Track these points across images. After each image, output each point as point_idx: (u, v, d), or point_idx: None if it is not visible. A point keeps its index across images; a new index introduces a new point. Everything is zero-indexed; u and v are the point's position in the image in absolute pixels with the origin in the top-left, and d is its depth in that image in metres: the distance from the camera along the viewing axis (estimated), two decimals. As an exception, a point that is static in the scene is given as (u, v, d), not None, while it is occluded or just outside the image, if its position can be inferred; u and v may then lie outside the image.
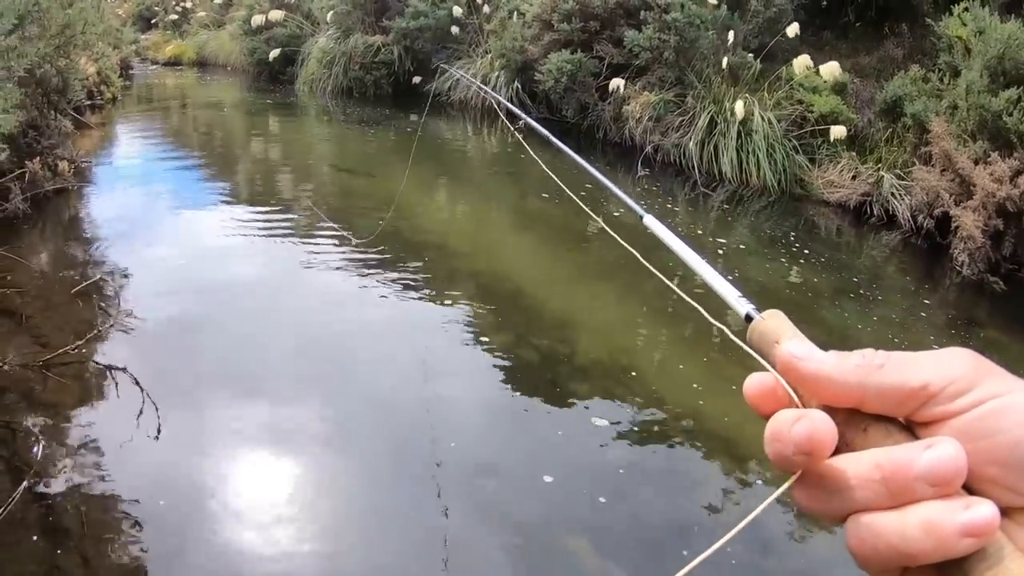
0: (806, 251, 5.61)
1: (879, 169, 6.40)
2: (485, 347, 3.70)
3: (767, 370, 0.46)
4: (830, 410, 0.42)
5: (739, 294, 0.57)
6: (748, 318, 0.52)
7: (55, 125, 5.89)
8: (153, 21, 19.86)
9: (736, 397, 3.48)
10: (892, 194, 6.17)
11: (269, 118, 9.72)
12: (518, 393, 3.27)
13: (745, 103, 6.81)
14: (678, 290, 0.82)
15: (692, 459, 2.96)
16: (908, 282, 5.40)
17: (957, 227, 5.36)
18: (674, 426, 3.11)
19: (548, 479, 2.68)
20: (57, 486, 2.42)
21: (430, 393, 3.22)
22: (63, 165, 5.32)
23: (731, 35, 7.23)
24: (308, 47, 12.00)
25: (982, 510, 0.36)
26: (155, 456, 2.63)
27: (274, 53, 11.91)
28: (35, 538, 2.20)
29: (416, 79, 10.81)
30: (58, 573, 2.10)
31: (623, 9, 8.13)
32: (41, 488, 2.38)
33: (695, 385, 3.42)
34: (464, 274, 4.66)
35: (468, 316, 4.02)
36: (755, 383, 0.45)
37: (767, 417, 0.43)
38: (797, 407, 0.43)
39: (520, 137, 2.09)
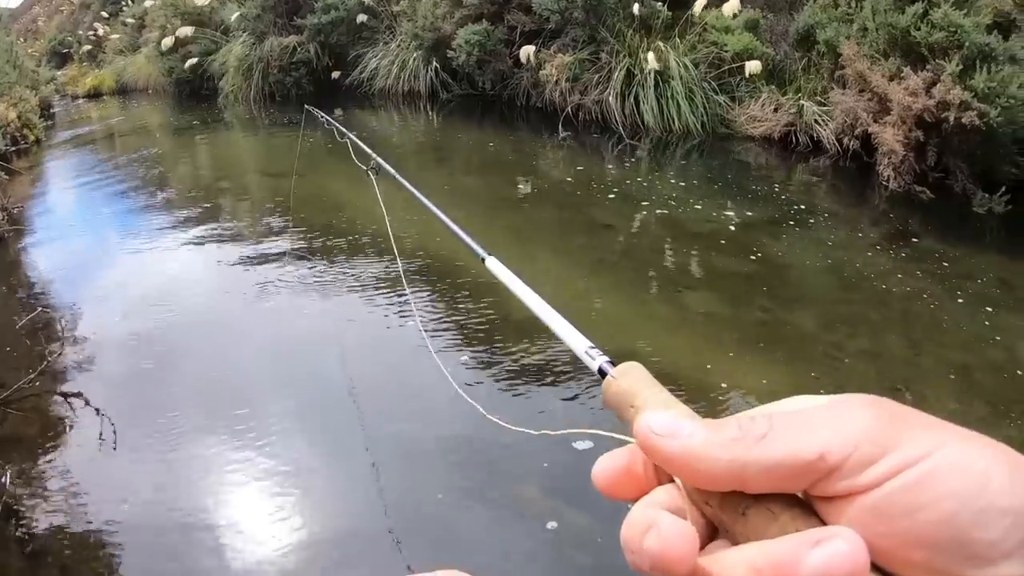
0: (738, 187, 5.60)
1: (799, 99, 6.40)
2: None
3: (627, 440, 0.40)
4: (702, 492, 0.36)
5: (589, 344, 0.50)
6: (601, 373, 0.45)
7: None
8: (67, 52, 19.40)
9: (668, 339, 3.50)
10: (815, 121, 6.18)
11: (196, 135, 9.53)
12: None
13: (657, 53, 6.78)
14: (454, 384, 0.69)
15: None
16: (841, 203, 5.41)
17: (879, 144, 5.38)
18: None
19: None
20: (33, 513, 2.42)
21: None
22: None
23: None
24: (224, 57, 11.76)
25: None
26: (120, 473, 2.63)
27: (190, 62, 11.67)
28: (16, 564, 2.21)
29: (335, 74, 10.65)
30: None
31: (529, -25, 8.08)
32: (17, 517, 2.40)
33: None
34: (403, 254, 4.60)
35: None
36: (607, 467, 0.39)
37: (632, 501, 0.38)
38: (669, 482, 0.38)
39: (373, 179, 2.07)
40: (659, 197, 5.55)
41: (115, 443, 2.76)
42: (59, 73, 17.71)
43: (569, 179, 6.19)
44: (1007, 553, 0.29)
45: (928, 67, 5.22)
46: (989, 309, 3.61)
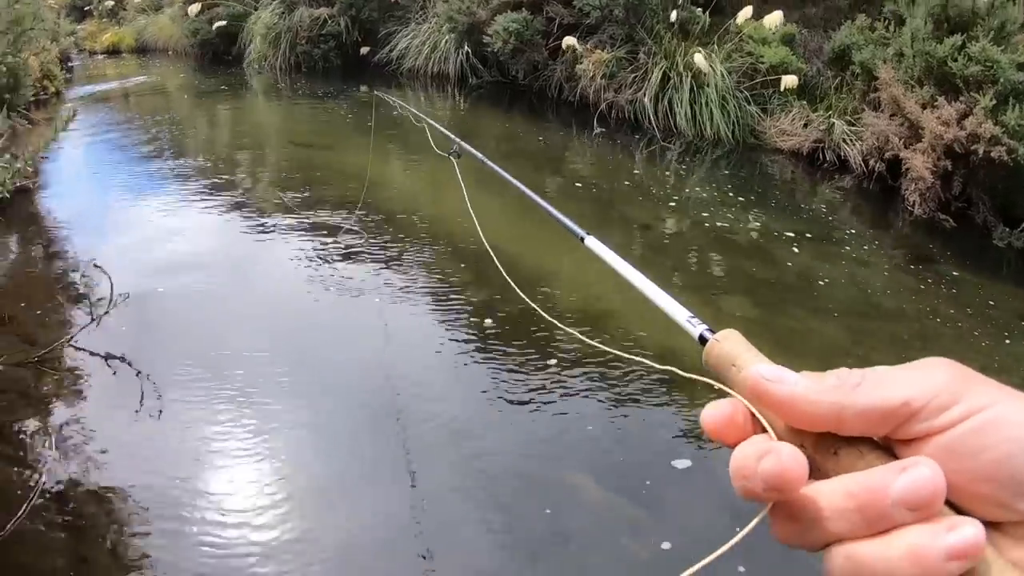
0: (763, 198, 5.70)
1: (830, 116, 6.50)
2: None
3: (728, 395, 0.44)
4: (797, 433, 0.41)
5: (690, 314, 0.55)
6: (702, 340, 0.50)
7: (10, 124, 5.74)
8: (87, 9, 19.24)
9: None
10: (843, 140, 6.28)
11: (220, 100, 9.48)
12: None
13: (706, 55, 6.86)
14: (601, 346, 0.74)
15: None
16: (864, 223, 5.52)
17: (907, 169, 5.49)
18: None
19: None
20: (73, 479, 2.39)
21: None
22: (21, 164, 5.20)
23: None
24: (252, 23, 11.72)
25: (966, 531, 0.34)
26: (161, 439, 2.62)
27: (217, 24, 11.61)
28: (58, 533, 2.18)
29: (364, 50, 10.66)
30: (85, 566, 2.08)
31: (571, -31, 8.12)
32: (57, 483, 2.36)
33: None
34: (438, 236, 4.65)
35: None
36: (714, 413, 0.43)
37: (731, 447, 0.41)
38: (762, 431, 0.42)
39: (455, 162, 2.04)
40: (691, 201, 5.65)
41: (160, 410, 2.75)
42: (78, 27, 17.53)
43: (601, 175, 6.28)
44: None
45: (961, 99, 5.34)
46: (1006, 338, 3.74)
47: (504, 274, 1.45)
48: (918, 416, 0.37)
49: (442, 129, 2.23)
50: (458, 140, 1.97)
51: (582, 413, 2.85)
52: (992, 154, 4.96)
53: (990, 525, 0.35)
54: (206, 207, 5.04)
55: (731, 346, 0.46)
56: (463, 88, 9.20)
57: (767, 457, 0.38)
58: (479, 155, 1.71)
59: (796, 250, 4.70)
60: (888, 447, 0.39)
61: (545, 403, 2.89)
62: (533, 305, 1.20)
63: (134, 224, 4.79)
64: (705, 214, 5.32)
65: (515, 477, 2.53)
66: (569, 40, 7.62)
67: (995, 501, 0.35)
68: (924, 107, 5.52)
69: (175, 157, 6.41)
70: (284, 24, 10.97)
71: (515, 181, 1.33)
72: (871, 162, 5.97)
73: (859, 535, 0.36)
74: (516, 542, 2.24)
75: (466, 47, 9.18)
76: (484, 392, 2.97)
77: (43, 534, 2.16)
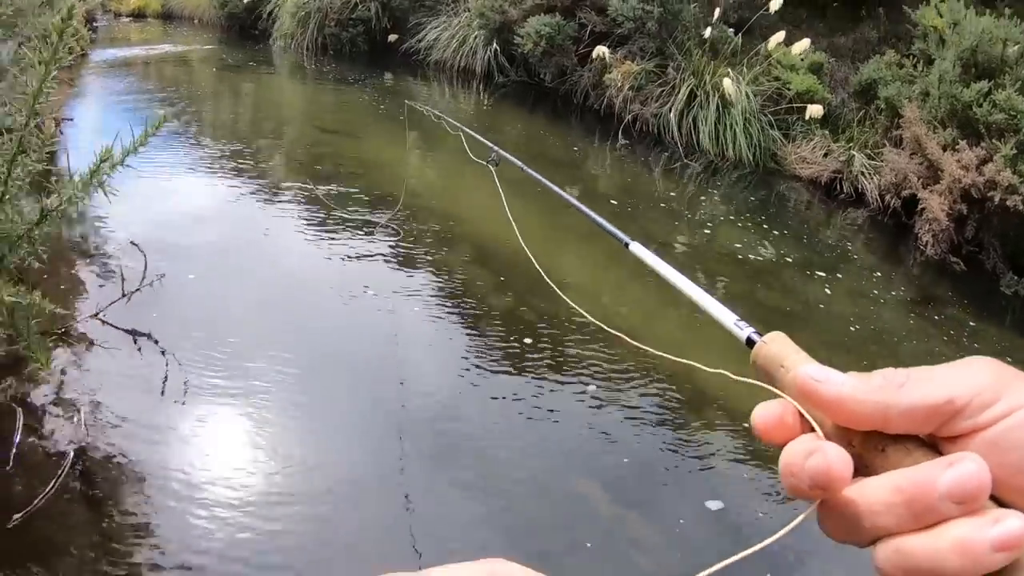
0: (777, 223, 5.77)
1: (850, 148, 6.57)
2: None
3: (777, 396, 0.45)
4: (845, 431, 0.42)
5: (737, 318, 0.55)
6: (750, 342, 0.51)
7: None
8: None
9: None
10: (862, 173, 6.35)
11: (246, 77, 9.51)
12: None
13: (733, 81, 6.93)
14: (656, 351, 0.75)
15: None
16: (874, 257, 5.59)
17: (923, 209, 5.56)
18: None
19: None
20: (98, 457, 2.42)
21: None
22: (49, 123, 5.20)
23: (717, 11, 7.31)
24: (282, 0, 11.77)
25: (1012, 523, 0.35)
26: (184, 421, 2.67)
27: (247, -1, 11.69)
28: (82, 510, 2.21)
29: (392, 37, 10.71)
30: (109, 543, 2.11)
31: (608, -24, 8.17)
32: (83, 460, 2.39)
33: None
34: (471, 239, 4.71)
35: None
36: (764, 414, 0.44)
37: (780, 447, 0.43)
38: (810, 431, 0.43)
39: (493, 171, 2.01)
40: (707, 220, 5.73)
41: (184, 389, 2.79)
42: (104, -13, 17.49)
43: (621, 187, 6.35)
44: None
45: (983, 144, 5.41)
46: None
47: (553, 286, 1.49)
48: (962, 413, 0.38)
49: (479, 137, 2.24)
50: (496, 148, 1.98)
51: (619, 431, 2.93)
52: (1008, 202, 5.03)
53: None
54: (234, 190, 5.05)
55: (779, 348, 0.47)
56: (488, 85, 9.26)
57: (814, 455, 0.39)
58: (518, 163, 1.73)
59: (806, 279, 4.77)
60: (934, 444, 0.40)
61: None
62: (586, 315, 1.24)
63: (162, 201, 4.76)
64: (720, 235, 5.39)
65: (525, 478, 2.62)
66: (601, 49, 7.68)
67: None
68: (945, 149, 5.59)
69: (201, 135, 6.42)
70: (314, 4, 11.01)
71: (557, 188, 1.36)
72: (887, 198, 6.04)
73: (907, 529, 0.37)
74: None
75: (495, 45, 9.23)
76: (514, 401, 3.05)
77: (70, 510, 2.20)
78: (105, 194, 1.93)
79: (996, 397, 0.37)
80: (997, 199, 5.09)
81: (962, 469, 0.36)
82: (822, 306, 4.42)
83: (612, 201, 5.82)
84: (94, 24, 12.63)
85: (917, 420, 0.39)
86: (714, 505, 2.58)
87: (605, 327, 1.05)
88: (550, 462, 2.73)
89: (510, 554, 0.34)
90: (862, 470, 0.40)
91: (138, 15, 15.28)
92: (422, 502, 2.42)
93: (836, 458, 0.38)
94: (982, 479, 0.35)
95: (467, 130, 2.43)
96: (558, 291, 1.42)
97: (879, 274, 5.19)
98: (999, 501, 0.37)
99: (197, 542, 2.15)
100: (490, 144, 2.06)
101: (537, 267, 1.73)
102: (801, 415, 0.43)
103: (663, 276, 0.73)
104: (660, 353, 0.74)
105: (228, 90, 8.80)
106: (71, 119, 6.23)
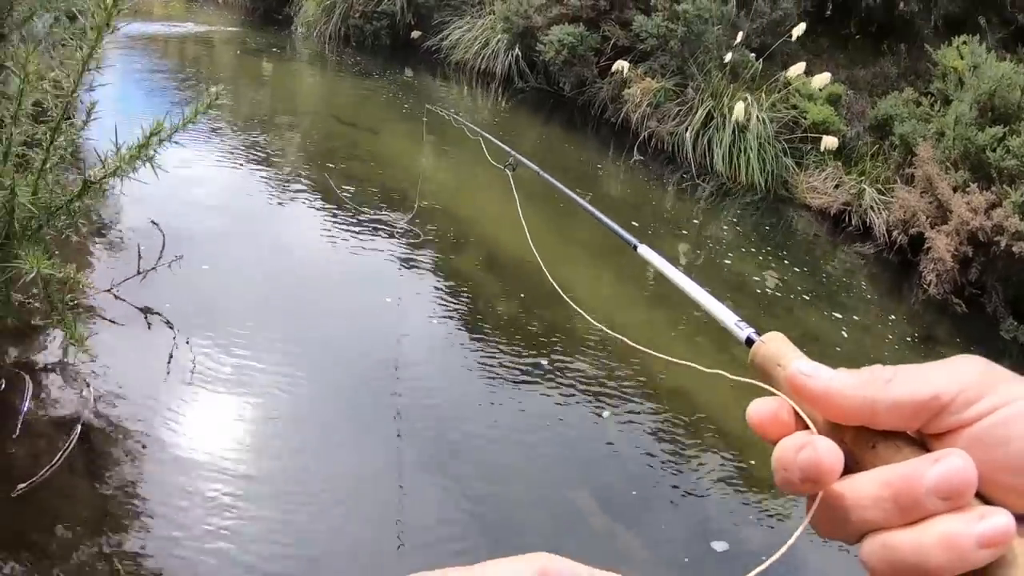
0: (783, 251, 5.82)
1: (862, 182, 6.61)
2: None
3: (772, 394, 0.46)
4: (837, 428, 0.42)
5: (737, 319, 0.57)
6: (749, 342, 0.52)
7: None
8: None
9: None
10: (871, 207, 6.39)
11: (269, 61, 9.55)
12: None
13: (746, 106, 6.96)
14: (662, 355, 0.75)
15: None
16: (876, 292, 5.63)
17: (929, 248, 5.60)
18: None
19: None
20: (104, 432, 2.46)
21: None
22: (68, 85, 5.21)
23: (740, 34, 7.35)
24: (307, -14, 11.80)
25: (997, 520, 0.35)
26: (189, 399, 2.71)
27: (277, -17, 11.71)
28: (85, 483, 2.25)
29: (415, 34, 10.75)
30: (110, 519, 2.15)
31: (634, -8, 8.22)
32: (89, 434, 2.42)
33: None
34: (467, 236, 4.76)
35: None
36: (759, 409, 0.45)
37: (774, 443, 0.43)
38: (805, 428, 0.43)
39: (510, 174, 2.04)
40: (715, 242, 5.78)
41: (193, 367, 2.85)
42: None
43: (632, 202, 6.41)
44: None
45: (993, 189, 5.46)
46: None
47: (557, 287, 1.53)
48: (948, 409, 0.38)
49: (498, 142, 2.24)
50: (514, 153, 2.00)
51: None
52: (1013, 248, 5.07)
53: (1018, 516, 0.36)
54: (252, 178, 5.09)
55: (776, 347, 0.48)
56: (507, 89, 9.29)
57: (804, 449, 0.39)
58: (535, 167, 1.76)
59: (807, 309, 4.82)
60: (923, 442, 0.40)
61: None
62: (588, 317, 1.26)
63: (181, 185, 4.70)
64: (726, 258, 5.43)
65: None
66: (621, 63, 7.72)
67: (1022, 491, 0.37)
68: (956, 190, 5.64)
69: (221, 120, 6.44)
70: (341, -6, 11.06)
71: (571, 193, 1.40)
72: (895, 234, 6.07)
73: (894, 524, 0.38)
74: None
75: (517, 50, 9.27)
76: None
77: (73, 482, 2.24)
78: (154, 170, 1.95)
79: (981, 394, 0.38)
80: (1003, 244, 5.13)
81: (948, 465, 0.36)
82: (820, 337, 4.46)
83: (622, 215, 5.86)
84: (117, -3, 12.57)
85: (904, 416, 0.39)
86: (711, 527, 2.63)
87: (607, 330, 1.09)
88: (547, 470, 2.77)
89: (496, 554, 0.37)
90: (854, 467, 0.41)
91: (162, -13, 15.30)
92: (414, 500, 2.46)
93: (826, 451, 0.39)
94: (968, 475, 0.36)
95: (486, 135, 2.44)
96: (563, 294, 1.46)
97: (880, 309, 5.24)
98: (985, 499, 0.37)
99: (195, 522, 2.19)
100: (508, 149, 2.07)
101: (544, 269, 1.77)
102: (796, 412, 0.44)
103: (669, 278, 0.73)
104: (660, 355, 0.76)
105: (250, 75, 8.82)
106: (92, 89, 6.24)
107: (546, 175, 1.61)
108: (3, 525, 2.05)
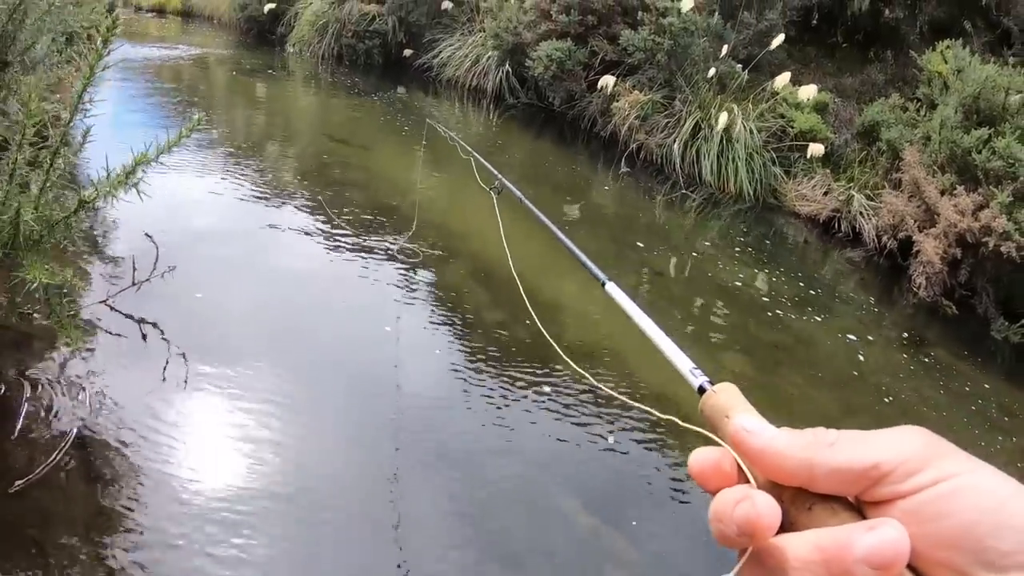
0: (774, 259, 5.85)
1: (850, 188, 6.66)
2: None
3: (717, 444, 0.46)
4: (776, 486, 0.42)
5: (693, 366, 0.57)
6: (701, 390, 0.52)
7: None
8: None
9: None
10: (860, 213, 6.43)
11: (261, 80, 9.59)
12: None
13: (730, 114, 7.02)
14: (610, 390, 0.75)
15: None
16: (868, 297, 5.66)
17: (918, 251, 5.64)
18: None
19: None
20: (98, 435, 2.50)
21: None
22: (65, 115, 5.28)
23: (725, 47, 7.42)
24: (300, 7, 11.91)
25: None
26: (182, 407, 2.74)
27: (268, 6, 11.79)
28: (80, 483, 2.30)
29: (407, 52, 10.85)
30: (102, 517, 2.20)
31: (621, 7, 8.28)
32: (84, 436, 2.47)
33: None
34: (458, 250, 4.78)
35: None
36: (701, 458, 0.45)
37: (713, 493, 0.43)
38: (745, 482, 0.43)
39: (495, 197, 2.05)
40: (704, 253, 5.81)
41: (186, 377, 2.88)
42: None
43: (621, 214, 6.44)
44: (1017, 564, 0.35)
45: (980, 190, 5.50)
46: (988, 430, 3.89)
47: (537, 321, 1.56)
48: (887, 479, 0.38)
49: (487, 164, 2.28)
50: (500, 177, 2.01)
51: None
52: (1002, 248, 5.11)
53: None
54: (246, 194, 5.09)
55: (726, 398, 0.48)
56: (498, 105, 9.37)
57: (742, 503, 0.39)
58: (518, 193, 1.76)
59: (798, 315, 4.84)
60: (860, 507, 0.40)
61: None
62: (559, 350, 1.30)
63: (176, 200, 4.78)
64: (716, 267, 5.47)
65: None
66: (606, 79, 7.78)
67: (955, 568, 0.36)
68: (943, 193, 5.68)
69: (216, 138, 6.49)
70: (333, 14, 11.17)
71: (548, 221, 1.39)
72: (884, 239, 6.12)
73: None
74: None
75: (507, 66, 9.36)
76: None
77: (68, 481, 2.29)
78: (139, 194, 2.07)
79: (922, 466, 0.38)
80: (991, 245, 5.16)
81: (881, 535, 0.36)
82: (812, 343, 4.48)
83: (611, 228, 5.91)
84: (115, 13, 12.64)
85: (842, 481, 0.39)
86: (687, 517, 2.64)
87: (573, 365, 1.10)
88: (535, 477, 2.78)
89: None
90: (788, 526, 0.41)
91: (159, 11, 15.40)
92: (410, 508, 2.47)
93: (764, 507, 0.39)
94: (900, 547, 0.36)
95: (477, 156, 2.47)
96: (539, 323, 1.48)
97: (871, 314, 5.26)
98: (916, 572, 0.37)
99: (186, 526, 2.22)
100: (496, 172, 2.10)
101: (523, 297, 1.79)
102: (738, 465, 0.44)
103: (631, 317, 0.75)
104: (619, 396, 0.77)
105: (244, 95, 8.90)
106: (89, 108, 6.29)
107: (528, 203, 1.61)
108: (1, 519, 2.11)
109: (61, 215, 2.14)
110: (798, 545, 0.39)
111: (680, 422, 0.55)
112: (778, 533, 0.39)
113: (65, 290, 2.37)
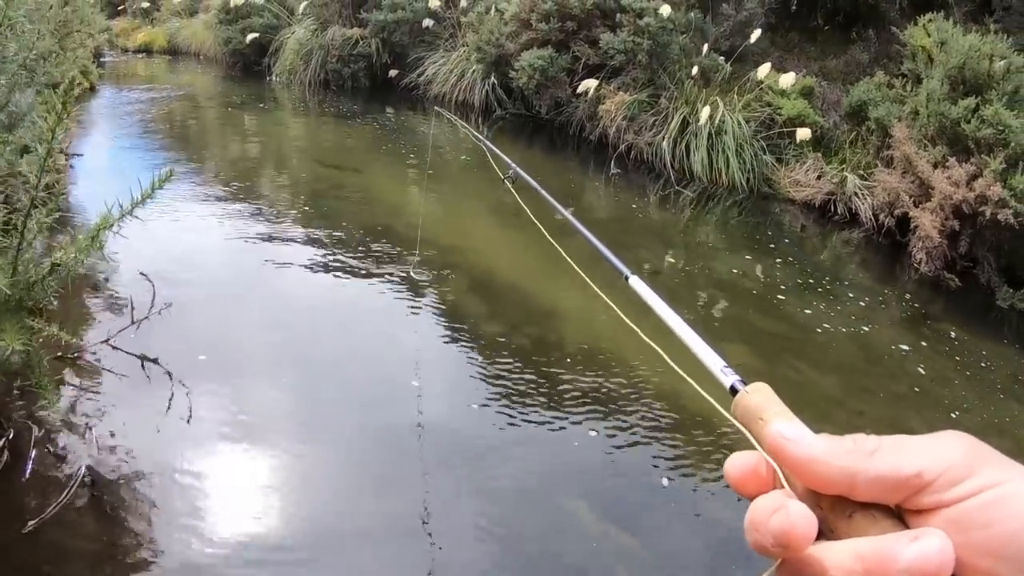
0: (772, 247, 5.83)
1: (843, 170, 6.65)
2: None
3: (753, 447, 0.45)
4: (815, 493, 0.41)
5: (724, 364, 0.55)
6: (733, 391, 0.50)
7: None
8: (120, 8, 19.58)
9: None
10: (855, 194, 6.41)
11: (249, 112, 9.62)
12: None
13: (711, 108, 7.02)
14: (668, 359, 0.74)
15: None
16: (869, 277, 5.64)
17: (916, 227, 5.62)
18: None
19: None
20: (107, 472, 2.55)
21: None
22: (59, 158, 5.34)
23: (706, 45, 7.44)
24: (284, 37, 11.95)
25: None
26: (188, 441, 2.77)
27: (251, 37, 11.80)
28: (92, 519, 2.35)
29: (392, 72, 10.88)
30: (115, 550, 2.24)
31: (599, 11, 8.29)
32: (94, 474, 2.52)
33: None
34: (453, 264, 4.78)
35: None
36: (738, 463, 0.44)
37: (750, 498, 0.42)
38: (781, 487, 0.42)
39: (510, 186, 2.07)
40: (701, 246, 5.81)
41: (189, 412, 2.90)
42: (111, 24, 17.79)
43: (615, 215, 6.44)
44: None
45: (972, 160, 5.48)
46: (1001, 399, 3.86)
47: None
48: (930, 488, 0.37)
49: (500, 153, 2.25)
50: (514, 166, 2.02)
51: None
52: (999, 216, 5.08)
53: None
54: (240, 224, 5.11)
55: (760, 399, 0.47)
56: (487, 118, 9.39)
57: (778, 513, 0.38)
58: (533, 183, 1.76)
59: (800, 301, 4.82)
60: (901, 516, 0.39)
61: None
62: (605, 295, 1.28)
63: (170, 236, 4.81)
64: (714, 260, 5.46)
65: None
66: (587, 83, 7.79)
67: None
68: (936, 166, 5.66)
69: (207, 172, 6.52)
70: (316, 41, 11.22)
71: (567, 214, 1.38)
72: (881, 217, 6.10)
73: None
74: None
75: (493, 78, 9.38)
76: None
77: (79, 519, 2.33)
78: (104, 258, 2.16)
79: (966, 474, 0.37)
80: (988, 213, 5.14)
81: (925, 545, 0.35)
82: (818, 328, 4.46)
83: (606, 229, 5.90)
84: (101, 60, 12.82)
85: (884, 489, 0.39)
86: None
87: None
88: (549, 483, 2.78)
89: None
90: (828, 533, 0.40)
91: (145, 51, 15.50)
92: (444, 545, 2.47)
93: (800, 518, 0.38)
94: (944, 558, 0.35)
95: (490, 145, 2.48)
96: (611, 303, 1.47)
97: (874, 294, 5.23)
98: None
99: (197, 558, 2.24)
100: (510, 161, 2.08)
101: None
102: (775, 468, 0.43)
103: (657, 313, 0.72)
104: (668, 359, 0.74)
105: (234, 127, 8.92)
106: (81, 154, 6.38)
107: (545, 193, 1.61)
108: (18, 558, 2.16)
109: (38, 275, 2.18)
110: (839, 554, 0.38)
111: (721, 408, 0.54)
112: (818, 540, 0.39)
113: (52, 340, 2.39)
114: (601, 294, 1.20)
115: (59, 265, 2.16)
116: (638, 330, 0.89)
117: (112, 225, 2.08)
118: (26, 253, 2.16)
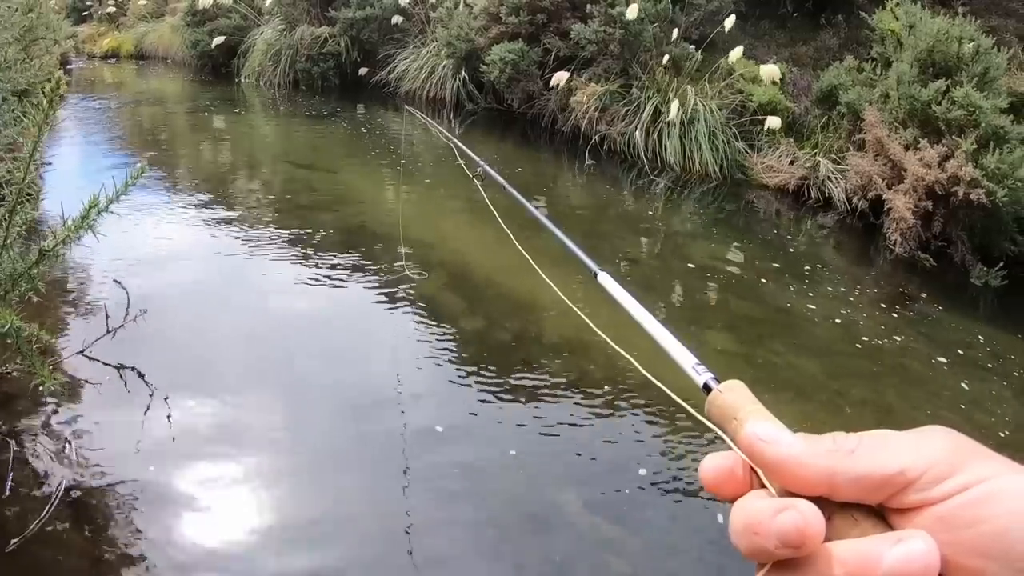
0: (747, 233, 5.84)
1: (816, 155, 6.66)
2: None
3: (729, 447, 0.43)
4: (791, 495, 0.39)
5: (696, 361, 0.54)
6: (706, 388, 0.48)
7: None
8: (85, 14, 19.32)
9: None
10: (828, 178, 6.43)
11: (219, 114, 9.53)
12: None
13: (681, 99, 7.02)
14: (635, 362, 0.74)
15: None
16: (845, 260, 5.66)
17: (890, 209, 5.63)
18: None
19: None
20: (88, 484, 2.51)
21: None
22: (18, 175, 5.23)
23: (675, 32, 7.43)
24: (252, 38, 11.84)
25: None
26: (168, 449, 2.73)
27: (218, 40, 11.68)
28: (76, 534, 2.30)
29: (363, 70, 10.81)
30: (102, 564, 2.21)
31: (569, 3, 8.28)
32: (74, 487, 2.48)
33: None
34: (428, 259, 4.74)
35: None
36: (713, 465, 0.42)
37: (729, 501, 0.41)
38: (760, 487, 0.41)
39: (479, 184, 2.04)
40: (677, 235, 5.79)
41: (168, 419, 2.85)
42: (78, 30, 17.56)
43: (590, 206, 6.42)
44: None
45: (944, 141, 5.50)
46: (978, 375, 3.87)
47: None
48: (914, 486, 0.36)
49: (469, 152, 2.22)
50: (482, 164, 1.97)
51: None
52: (972, 196, 5.10)
53: None
54: (212, 227, 5.06)
55: (734, 398, 0.45)
56: (459, 113, 9.34)
57: (786, 512, 0.36)
58: (500, 179, 1.70)
59: (778, 286, 4.82)
60: (882, 515, 0.38)
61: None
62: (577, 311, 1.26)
63: (142, 242, 4.75)
64: (690, 248, 5.44)
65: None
66: (558, 75, 7.76)
67: (987, 575, 0.34)
68: (907, 149, 5.68)
69: (177, 176, 6.45)
70: (285, 41, 11.13)
71: (535, 210, 1.35)
72: (855, 200, 6.11)
73: None
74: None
75: (463, 73, 9.33)
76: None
77: (63, 535, 2.28)
78: (95, 235, 2.14)
79: (951, 471, 0.36)
80: (961, 194, 5.16)
81: (910, 548, 0.34)
82: (794, 311, 4.45)
83: (581, 220, 5.88)
84: (68, 67, 12.67)
85: (866, 489, 0.37)
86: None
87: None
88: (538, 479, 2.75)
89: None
90: None
91: (112, 56, 15.34)
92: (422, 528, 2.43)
93: (814, 516, 0.36)
94: (929, 560, 0.34)
95: (458, 143, 2.44)
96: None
97: (850, 276, 5.25)
98: None
99: (182, 570, 2.20)
100: (477, 159, 2.04)
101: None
102: (752, 469, 0.41)
103: (627, 310, 0.71)
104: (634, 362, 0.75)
105: (203, 130, 8.82)
106: (50, 163, 6.29)
107: (512, 190, 1.57)
108: None
109: (24, 267, 2.17)
110: (820, 559, 0.36)
111: (692, 411, 0.53)
112: None
113: (33, 338, 2.36)
114: (564, 298, 1.16)
115: (48, 251, 2.14)
116: (605, 336, 0.86)
117: (99, 205, 2.06)
118: (11, 250, 2.17)
